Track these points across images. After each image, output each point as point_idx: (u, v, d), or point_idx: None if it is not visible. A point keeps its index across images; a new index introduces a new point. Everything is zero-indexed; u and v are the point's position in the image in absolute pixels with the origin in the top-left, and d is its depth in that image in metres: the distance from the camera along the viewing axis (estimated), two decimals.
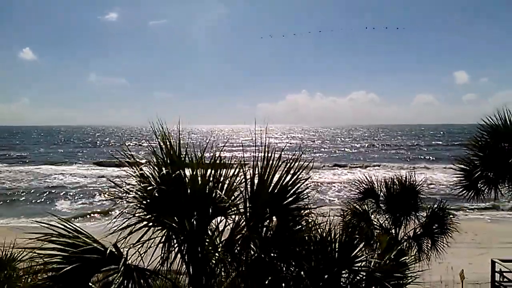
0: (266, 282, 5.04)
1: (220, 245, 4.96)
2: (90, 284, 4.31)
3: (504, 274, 15.12)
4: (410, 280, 5.43)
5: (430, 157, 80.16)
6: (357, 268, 5.25)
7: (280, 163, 5.17)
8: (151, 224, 4.73)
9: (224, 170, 5.09)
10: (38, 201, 40.83)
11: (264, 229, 5.12)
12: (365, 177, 12.20)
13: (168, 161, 4.94)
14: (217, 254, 4.88)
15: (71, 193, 44.08)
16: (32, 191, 45.39)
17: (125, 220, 4.60)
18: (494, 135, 10.97)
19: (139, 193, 4.78)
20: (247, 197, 5.11)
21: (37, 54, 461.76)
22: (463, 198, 11.73)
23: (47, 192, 44.74)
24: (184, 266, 4.84)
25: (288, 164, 5.17)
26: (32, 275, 4.42)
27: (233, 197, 5.05)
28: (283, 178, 5.15)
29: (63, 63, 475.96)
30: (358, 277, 5.23)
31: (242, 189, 5.12)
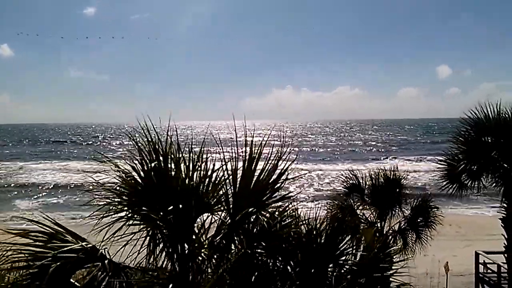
0: (253, 278, 5.03)
1: (206, 241, 4.93)
2: (72, 281, 4.26)
3: (488, 265, 15.37)
4: (394, 271, 5.47)
5: (413, 152, 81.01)
6: (343, 261, 5.27)
7: (264, 159, 5.16)
8: (135, 220, 4.67)
9: (209, 166, 5.04)
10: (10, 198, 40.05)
11: (250, 225, 5.11)
12: (350, 172, 12.28)
13: (153, 157, 4.88)
14: (203, 251, 4.84)
15: (45, 191, 43.55)
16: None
17: (107, 216, 4.53)
18: (476, 129, 11.14)
19: (122, 188, 4.71)
20: (232, 193, 5.08)
21: (14, 51, 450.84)
22: (447, 192, 11.91)
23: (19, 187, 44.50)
24: (170, 263, 4.80)
25: (272, 161, 5.16)
26: (13, 273, 4.34)
27: (218, 193, 5.02)
28: (267, 174, 5.14)
29: (42, 59, 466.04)
30: (344, 270, 5.25)
31: (227, 185, 5.09)
